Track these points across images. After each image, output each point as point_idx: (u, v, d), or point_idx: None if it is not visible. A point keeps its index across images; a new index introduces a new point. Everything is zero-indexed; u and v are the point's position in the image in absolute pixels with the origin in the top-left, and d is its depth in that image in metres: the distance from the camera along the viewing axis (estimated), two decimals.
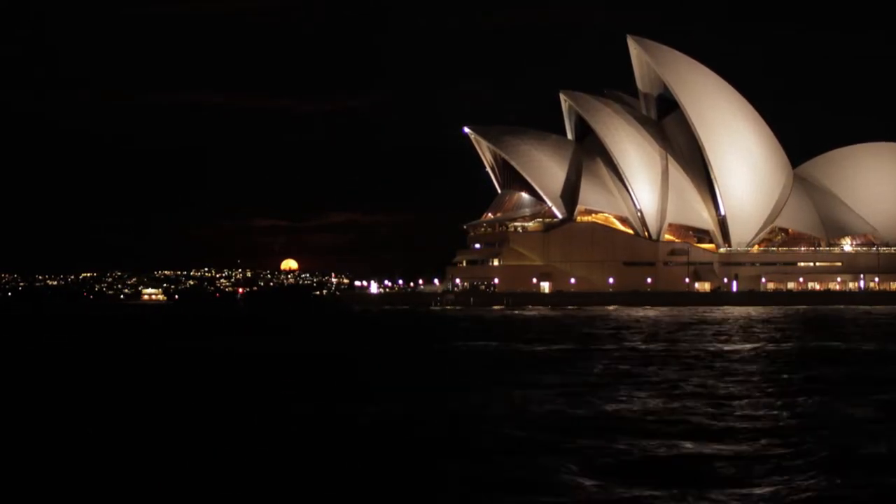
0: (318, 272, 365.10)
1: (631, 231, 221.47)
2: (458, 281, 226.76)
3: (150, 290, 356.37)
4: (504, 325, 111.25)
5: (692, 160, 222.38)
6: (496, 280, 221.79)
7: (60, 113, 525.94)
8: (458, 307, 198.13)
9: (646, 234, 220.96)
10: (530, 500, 20.74)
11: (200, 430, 30.47)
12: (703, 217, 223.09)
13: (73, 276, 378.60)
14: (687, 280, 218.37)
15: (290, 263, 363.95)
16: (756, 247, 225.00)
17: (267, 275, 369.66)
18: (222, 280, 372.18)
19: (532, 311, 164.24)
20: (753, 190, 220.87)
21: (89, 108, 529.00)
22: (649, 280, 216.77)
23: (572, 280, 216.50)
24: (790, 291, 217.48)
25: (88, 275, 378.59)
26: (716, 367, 50.25)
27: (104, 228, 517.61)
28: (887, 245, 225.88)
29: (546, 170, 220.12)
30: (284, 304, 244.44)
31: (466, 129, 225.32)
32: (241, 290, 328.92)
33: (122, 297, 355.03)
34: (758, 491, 21.33)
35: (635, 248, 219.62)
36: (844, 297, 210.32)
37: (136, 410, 35.42)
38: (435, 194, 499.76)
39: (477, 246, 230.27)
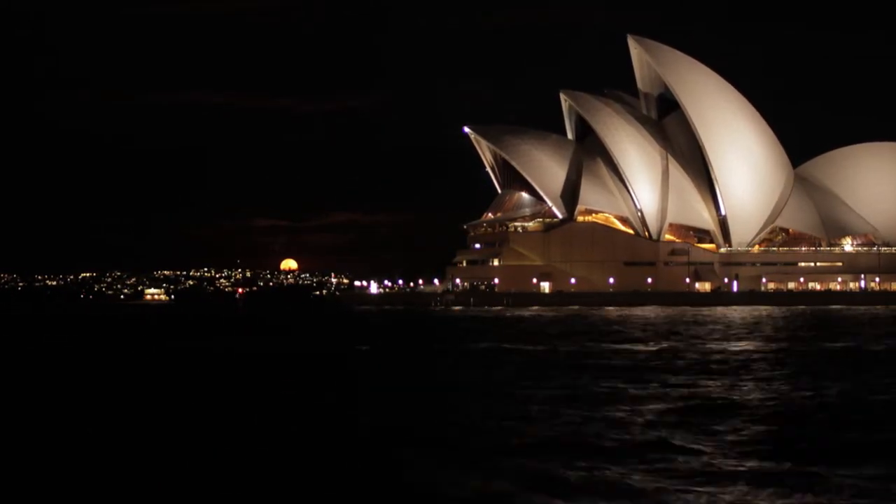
0: (317, 272, 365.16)
1: (631, 231, 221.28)
2: (458, 281, 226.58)
3: (152, 290, 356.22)
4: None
5: (693, 160, 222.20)
6: (496, 280, 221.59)
7: (60, 113, 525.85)
8: (458, 308, 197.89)
9: (646, 234, 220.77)
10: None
11: (200, 430, 30.37)
12: (703, 217, 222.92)
13: (72, 276, 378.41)
14: (687, 280, 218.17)
15: (289, 263, 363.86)
16: (757, 247, 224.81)
17: (267, 275, 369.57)
18: (222, 280, 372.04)
19: (530, 312, 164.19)
20: (754, 190, 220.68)
21: (89, 108, 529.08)
22: (650, 280, 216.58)
23: (572, 280, 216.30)
24: (791, 291, 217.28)
25: (88, 275, 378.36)
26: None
27: (104, 228, 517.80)
28: (888, 245, 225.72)
29: (546, 169, 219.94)
30: (284, 305, 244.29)
31: (466, 129, 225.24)
32: (240, 290, 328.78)
33: (122, 297, 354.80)
34: None
35: (636, 248, 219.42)
36: (845, 297, 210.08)
37: (136, 410, 35.31)
38: (435, 194, 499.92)
39: (477, 246, 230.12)
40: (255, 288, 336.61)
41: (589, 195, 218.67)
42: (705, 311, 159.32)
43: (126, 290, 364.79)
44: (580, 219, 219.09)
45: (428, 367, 53.59)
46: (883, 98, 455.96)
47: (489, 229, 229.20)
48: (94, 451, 26.74)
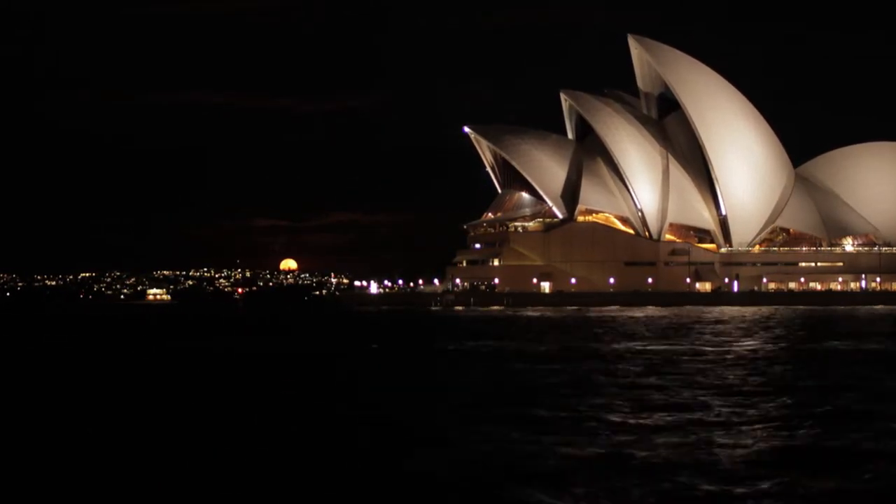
0: (317, 272, 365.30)
1: (632, 231, 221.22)
2: (458, 281, 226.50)
3: (155, 291, 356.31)
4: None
5: (693, 160, 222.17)
6: (496, 280, 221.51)
7: (60, 113, 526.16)
8: (459, 308, 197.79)
9: (646, 233, 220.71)
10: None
11: (200, 430, 30.26)
12: (704, 217, 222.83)
13: (72, 277, 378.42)
14: (688, 280, 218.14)
15: (289, 263, 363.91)
16: (757, 247, 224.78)
17: (266, 275, 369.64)
18: (221, 280, 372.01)
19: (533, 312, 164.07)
20: (754, 189, 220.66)
21: (89, 108, 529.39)
22: (650, 280, 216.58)
23: (573, 280, 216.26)
24: (791, 291, 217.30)
25: (87, 275, 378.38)
26: None
27: (104, 228, 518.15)
28: (889, 245, 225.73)
29: (546, 169, 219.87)
30: (284, 305, 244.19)
31: (466, 129, 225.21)
32: (240, 289, 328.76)
33: (121, 297, 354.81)
34: None
35: (636, 248, 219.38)
36: (846, 297, 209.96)
37: (136, 410, 35.20)
38: (435, 194, 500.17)
39: (477, 246, 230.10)
40: (254, 288, 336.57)
41: (589, 195, 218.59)
42: (706, 310, 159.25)
43: (126, 291, 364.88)
44: (580, 219, 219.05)
45: (428, 367, 53.40)
46: (883, 98, 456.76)
47: (489, 229, 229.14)
48: (94, 451, 26.60)
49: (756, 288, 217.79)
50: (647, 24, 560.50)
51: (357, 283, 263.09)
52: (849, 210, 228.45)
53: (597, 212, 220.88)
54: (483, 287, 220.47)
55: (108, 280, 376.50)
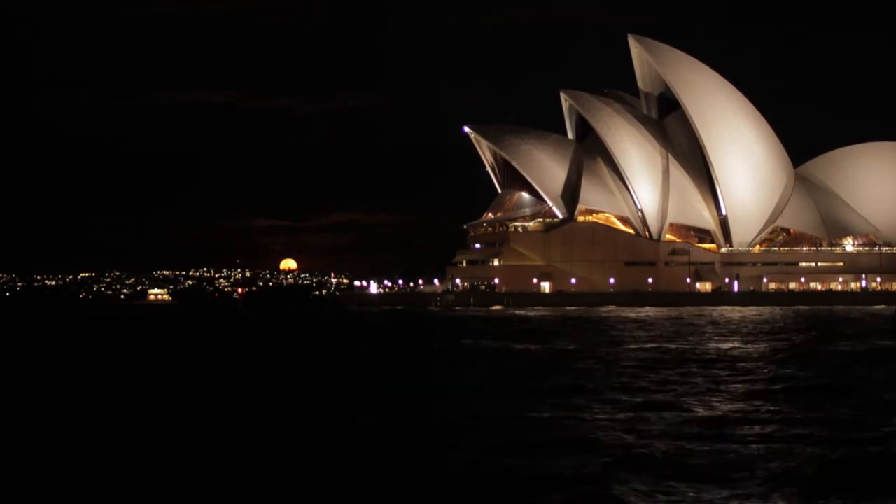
0: (317, 272, 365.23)
1: (632, 231, 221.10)
2: (458, 281, 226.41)
3: (155, 291, 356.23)
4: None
5: (693, 159, 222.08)
6: (496, 280, 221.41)
7: (60, 113, 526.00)
8: (458, 308, 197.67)
9: (647, 233, 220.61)
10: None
11: (200, 430, 30.21)
12: (704, 217, 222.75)
13: (71, 277, 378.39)
14: (688, 280, 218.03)
15: (289, 263, 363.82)
16: (757, 247, 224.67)
17: (266, 275, 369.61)
18: (221, 280, 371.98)
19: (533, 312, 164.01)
20: (755, 189, 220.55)
21: (89, 108, 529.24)
22: (650, 280, 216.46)
23: (573, 280, 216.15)
24: (792, 292, 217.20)
25: (87, 275, 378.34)
26: None
27: (104, 228, 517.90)
28: (889, 245, 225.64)
29: (546, 169, 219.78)
30: (284, 305, 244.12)
31: (466, 129, 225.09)
32: (239, 290, 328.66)
33: (121, 297, 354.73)
34: None
35: (636, 248, 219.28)
36: (846, 297, 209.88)
37: (136, 410, 35.16)
38: (435, 194, 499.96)
39: (477, 246, 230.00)
40: (254, 288, 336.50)
41: (589, 195, 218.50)
42: (706, 309, 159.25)
43: (126, 291, 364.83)
44: (580, 219, 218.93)
45: (428, 367, 53.36)
46: (883, 98, 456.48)
47: (489, 229, 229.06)
48: (94, 451, 26.56)
49: (756, 288, 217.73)
50: (647, 24, 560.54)
51: (357, 283, 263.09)
52: (849, 210, 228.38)
53: (597, 212, 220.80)
54: (483, 287, 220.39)
55: (108, 280, 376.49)
